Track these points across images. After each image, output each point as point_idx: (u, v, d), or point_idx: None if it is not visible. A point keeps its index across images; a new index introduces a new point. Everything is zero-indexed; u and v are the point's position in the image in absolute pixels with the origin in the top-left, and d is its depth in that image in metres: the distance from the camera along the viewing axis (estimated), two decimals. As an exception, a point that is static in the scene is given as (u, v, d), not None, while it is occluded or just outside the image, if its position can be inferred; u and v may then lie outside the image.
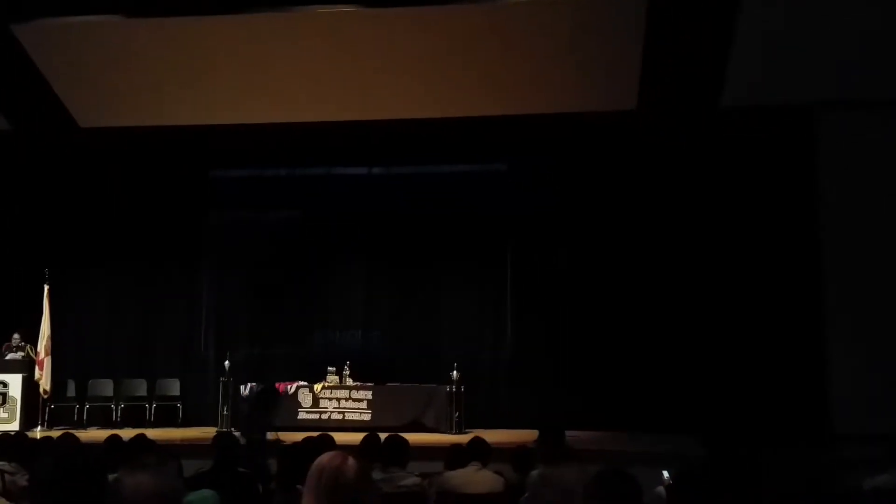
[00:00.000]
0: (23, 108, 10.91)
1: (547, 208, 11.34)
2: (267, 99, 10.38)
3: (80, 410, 11.11)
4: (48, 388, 10.62)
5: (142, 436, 5.37)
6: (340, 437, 5.39)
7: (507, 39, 9.49)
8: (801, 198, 10.51)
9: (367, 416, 10.28)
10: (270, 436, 7.90)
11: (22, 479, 4.48)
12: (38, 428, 10.36)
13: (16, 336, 10.77)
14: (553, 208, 11.32)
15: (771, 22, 8.96)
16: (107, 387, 11.42)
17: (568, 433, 9.84)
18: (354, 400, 10.43)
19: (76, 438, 5.34)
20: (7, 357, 10.67)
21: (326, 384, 10.57)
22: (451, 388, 10.23)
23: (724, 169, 10.74)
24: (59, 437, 5.39)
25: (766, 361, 10.26)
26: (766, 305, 10.41)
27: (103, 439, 5.52)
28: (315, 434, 5.53)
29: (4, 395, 10.39)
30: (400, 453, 4.81)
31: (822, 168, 10.40)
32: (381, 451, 4.86)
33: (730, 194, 10.71)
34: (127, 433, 5.99)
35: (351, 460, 2.47)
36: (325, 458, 2.48)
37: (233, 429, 10.08)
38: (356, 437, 4.93)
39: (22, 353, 10.70)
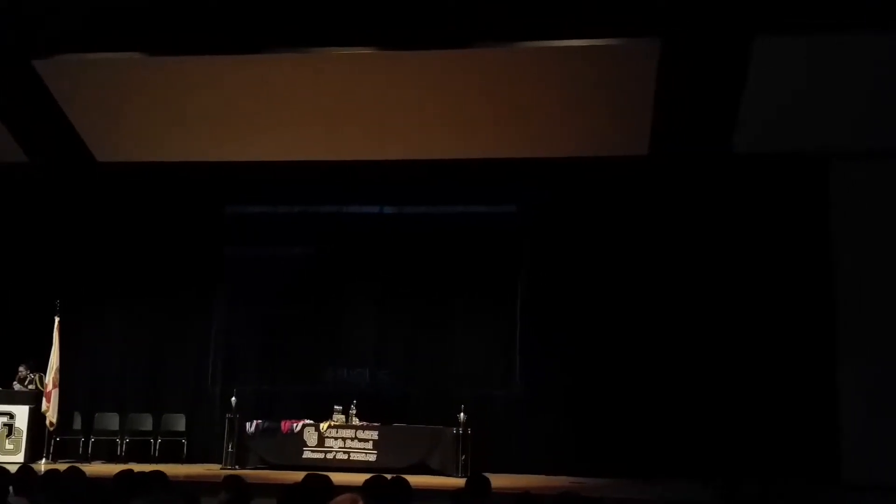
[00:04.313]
0: (41, 142, 11.05)
1: (558, 250, 11.34)
2: (283, 137, 10.49)
3: (86, 444, 11.08)
4: (54, 420, 10.60)
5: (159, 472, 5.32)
6: (345, 478, 5.34)
7: (521, 84, 9.58)
8: (814, 245, 10.51)
9: (372, 457, 10.22)
10: None
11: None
12: (43, 461, 10.32)
13: (21, 368, 10.79)
14: (564, 250, 11.32)
15: (783, 69, 9.03)
16: (113, 420, 11.39)
17: (577, 479, 9.85)
18: (360, 440, 10.38)
19: (82, 472, 5.31)
20: (15, 388, 10.67)
21: (332, 423, 10.51)
22: (457, 430, 10.15)
23: (735, 214, 10.75)
24: (65, 471, 5.36)
25: (778, 410, 10.18)
26: (779, 353, 10.35)
27: (105, 473, 5.48)
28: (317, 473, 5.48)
29: (10, 426, 10.39)
30: (402, 496, 4.73)
31: (834, 215, 10.40)
32: (383, 493, 4.79)
33: (742, 240, 10.71)
34: (132, 468, 5.95)
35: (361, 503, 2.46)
36: (338, 500, 2.49)
37: (237, 466, 10.05)
38: (361, 478, 4.88)
39: (32, 386, 10.70)
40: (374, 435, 10.39)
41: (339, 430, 10.45)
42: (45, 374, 10.68)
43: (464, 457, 10.03)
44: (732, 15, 8.33)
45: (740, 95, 9.33)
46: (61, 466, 5.54)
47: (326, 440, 10.41)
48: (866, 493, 9.23)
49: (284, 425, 10.53)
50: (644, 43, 8.82)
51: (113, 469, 5.73)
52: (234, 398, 10.54)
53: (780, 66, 8.97)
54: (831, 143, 10.06)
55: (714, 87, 9.34)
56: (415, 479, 4.99)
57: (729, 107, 9.53)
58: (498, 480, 5.07)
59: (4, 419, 10.39)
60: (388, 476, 4.88)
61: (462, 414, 10.18)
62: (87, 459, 10.74)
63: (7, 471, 5.26)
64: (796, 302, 10.45)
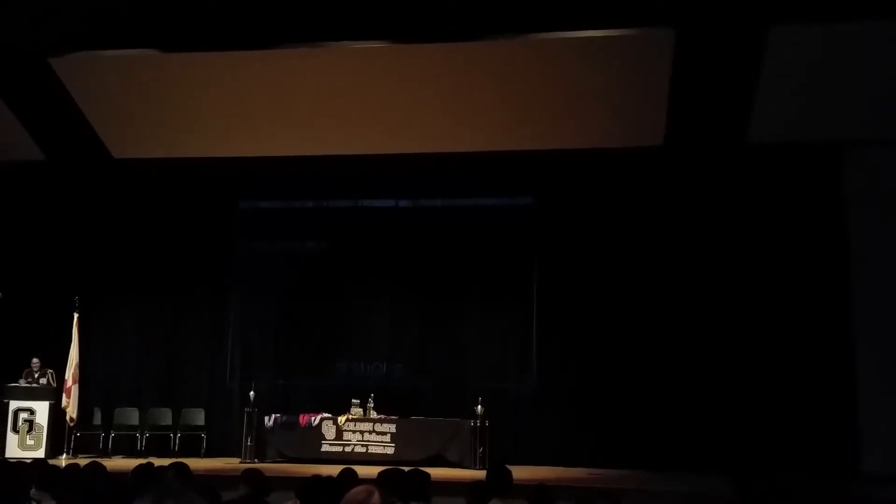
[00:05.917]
0: (57, 139, 11.12)
1: (573, 242, 11.32)
2: (297, 131, 10.51)
3: (106, 439, 11.17)
4: (75, 415, 10.72)
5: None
6: (364, 471, 5.36)
7: (535, 75, 9.55)
8: (829, 234, 10.43)
9: (390, 450, 10.24)
10: None
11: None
12: (64, 456, 10.43)
13: (35, 360, 10.78)
14: (579, 242, 11.30)
15: (798, 59, 8.97)
16: (132, 415, 11.49)
17: (594, 471, 9.85)
18: (378, 433, 10.40)
19: (103, 467, 5.37)
20: (29, 383, 10.71)
21: (350, 416, 10.55)
22: (475, 423, 10.17)
23: (750, 204, 10.70)
24: (86, 466, 5.41)
25: (796, 401, 10.14)
26: (796, 343, 10.29)
27: (126, 468, 5.54)
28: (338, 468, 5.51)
29: (31, 422, 10.47)
30: (422, 488, 4.75)
31: (850, 205, 10.32)
32: (402, 485, 4.80)
33: (757, 229, 10.65)
34: (151, 462, 5.99)
35: (376, 496, 2.47)
36: (353, 492, 2.49)
37: (255, 460, 10.12)
38: (378, 471, 4.90)
39: (44, 380, 10.76)
40: (392, 428, 10.41)
41: (357, 424, 10.48)
42: (55, 371, 10.77)
43: (481, 449, 10.05)
44: (747, 4, 8.27)
45: (755, 85, 9.27)
46: (82, 461, 5.59)
47: (344, 433, 10.44)
48: (887, 483, 9.17)
49: (302, 419, 10.57)
50: (658, 33, 8.78)
51: (133, 463, 5.79)
52: (252, 392, 10.59)
53: (796, 55, 8.91)
54: (846, 132, 9.98)
55: (729, 76, 9.28)
56: (433, 472, 5.00)
57: (744, 96, 9.48)
58: (516, 472, 5.06)
59: (25, 415, 10.47)
60: (407, 468, 4.90)
61: (479, 406, 10.19)
62: (108, 454, 10.83)
63: (28, 467, 5.32)
64: (812, 292, 10.38)
